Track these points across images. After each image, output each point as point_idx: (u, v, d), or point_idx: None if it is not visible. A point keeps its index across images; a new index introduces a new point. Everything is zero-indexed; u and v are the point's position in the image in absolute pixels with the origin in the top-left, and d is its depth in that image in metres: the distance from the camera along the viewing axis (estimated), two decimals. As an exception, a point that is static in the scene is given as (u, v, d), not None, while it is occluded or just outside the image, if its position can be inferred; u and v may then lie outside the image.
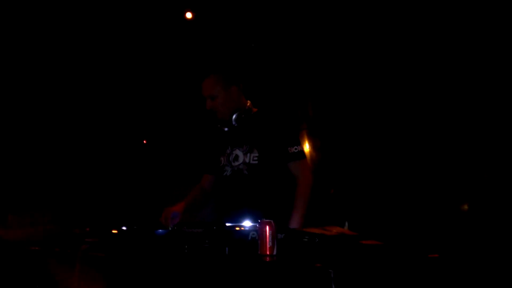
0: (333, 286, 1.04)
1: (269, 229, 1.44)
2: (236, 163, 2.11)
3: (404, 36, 3.81)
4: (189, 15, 4.11)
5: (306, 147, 4.36)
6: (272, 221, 1.46)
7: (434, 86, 3.77)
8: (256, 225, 1.51)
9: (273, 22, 4.15)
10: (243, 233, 1.56)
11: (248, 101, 2.19)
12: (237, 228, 1.60)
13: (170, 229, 1.87)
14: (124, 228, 1.86)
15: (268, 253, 1.43)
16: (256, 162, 2.07)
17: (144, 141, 4.69)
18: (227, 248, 1.50)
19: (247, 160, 2.09)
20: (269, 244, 1.43)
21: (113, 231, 1.83)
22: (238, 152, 2.12)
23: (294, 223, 2.00)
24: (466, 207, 3.80)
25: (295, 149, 2.09)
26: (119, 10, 3.98)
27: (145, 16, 4.04)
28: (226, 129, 2.15)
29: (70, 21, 3.90)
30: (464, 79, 3.63)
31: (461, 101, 3.66)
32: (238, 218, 1.94)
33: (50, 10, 3.72)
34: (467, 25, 3.50)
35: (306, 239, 1.48)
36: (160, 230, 1.81)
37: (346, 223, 3.95)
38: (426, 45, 3.73)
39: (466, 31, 3.52)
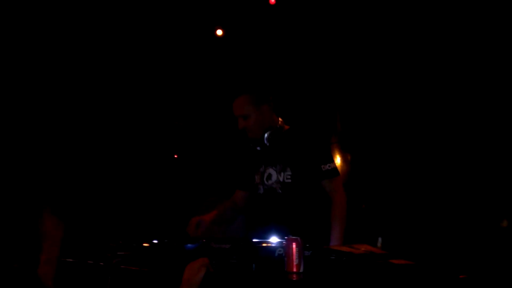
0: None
1: (296, 246, 1.44)
2: (270, 182, 2.12)
3: (437, 49, 3.74)
4: (219, 32, 4.18)
5: (337, 161, 4.32)
6: (298, 238, 1.46)
7: (472, 97, 3.67)
8: (283, 242, 1.52)
9: (300, 37, 4.16)
10: (270, 250, 1.57)
11: (280, 119, 2.19)
12: (264, 245, 1.61)
13: (196, 239, 1.89)
14: (155, 241, 1.90)
15: (294, 270, 1.42)
16: (290, 180, 2.08)
17: (175, 156, 4.77)
18: (254, 265, 1.50)
19: (281, 179, 2.09)
20: (295, 262, 1.43)
21: (145, 245, 1.87)
22: (271, 171, 2.13)
23: (335, 243, 1.99)
24: (505, 223, 3.65)
25: (329, 166, 2.08)
26: (150, 27, 4.10)
27: (177, 33, 4.15)
28: (258, 148, 2.16)
29: (107, 38, 4.05)
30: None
31: (506, 118, 3.54)
32: (267, 235, 1.94)
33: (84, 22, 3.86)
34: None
35: (333, 257, 1.47)
36: (189, 245, 1.84)
37: (380, 239, 3.87)
38: (462, 59, 3.65)
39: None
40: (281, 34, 4.16)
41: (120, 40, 4.11)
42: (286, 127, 2.19)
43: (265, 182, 2.13)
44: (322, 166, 2.07)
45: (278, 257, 1.52)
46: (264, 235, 1.94)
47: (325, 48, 4.22)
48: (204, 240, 1.84)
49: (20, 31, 3.61)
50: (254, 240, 1.70)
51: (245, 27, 4.15)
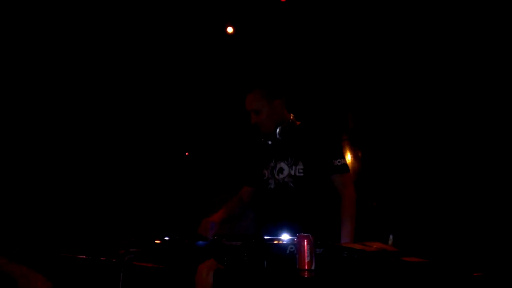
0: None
1: (307, 243, 1.44)
2: (281, 176, 2.12)
3: (449, 49, 3.70)
4: (230, 29, 4.19)
5: (348, 158, 4.30)
6: (310, 235, 1.45)
7: (485, 95, 3.62)
8: (294, 239, 1.51)
9: (312, 34, 4.15)
10: (281, 247, 1.56)
11: (291, 114, 2.20)
12: (276, 242, 1.61)
13: (208, 239, 1.90)
14: (166, 238, 1.91)
15: (306, 267, 1.42)
16: (302, 174, 2.08)
17: (187, 153, 4.79)
18: (265, 262, 1.50)
19: (292, 173, 2.09)
20: (307, 259, 1.43)
21: (156, 241, 1.88)
22: (282, 165, 2.13)
23: (346, 240, 1.98)
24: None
25: (339, 162, 2.09)
26: (163, 26, 4.12)
27: (187, 31, 4.16)
28: (270, 142, 2.16)
29: (120, 37, 4.09)
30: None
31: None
32: (279, 232, 1.94)
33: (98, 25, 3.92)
34: None
35: (345, 255, 1.46)
36: (201, 242, 1.85)
37: (391, 237, 3.84)
38: (475, 58, 3.61)
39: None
40: (293, 31, 4.15)
41: (132, 39, 4.14)
42: (298, 122, 2.20)
43: (276, 176, 2.13)
44: (333, 160, 2.08)
45: (289, 254, 1.52)
46: (276, 231, 1.94)
47: (336, 45, 4.20)
48: (216, 237, 1.85)
49: (32, 30, 3.66)
50: (265, 237, 1.70)
51: (256, 24, 4.15)
